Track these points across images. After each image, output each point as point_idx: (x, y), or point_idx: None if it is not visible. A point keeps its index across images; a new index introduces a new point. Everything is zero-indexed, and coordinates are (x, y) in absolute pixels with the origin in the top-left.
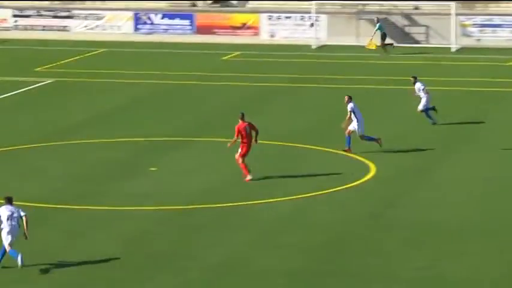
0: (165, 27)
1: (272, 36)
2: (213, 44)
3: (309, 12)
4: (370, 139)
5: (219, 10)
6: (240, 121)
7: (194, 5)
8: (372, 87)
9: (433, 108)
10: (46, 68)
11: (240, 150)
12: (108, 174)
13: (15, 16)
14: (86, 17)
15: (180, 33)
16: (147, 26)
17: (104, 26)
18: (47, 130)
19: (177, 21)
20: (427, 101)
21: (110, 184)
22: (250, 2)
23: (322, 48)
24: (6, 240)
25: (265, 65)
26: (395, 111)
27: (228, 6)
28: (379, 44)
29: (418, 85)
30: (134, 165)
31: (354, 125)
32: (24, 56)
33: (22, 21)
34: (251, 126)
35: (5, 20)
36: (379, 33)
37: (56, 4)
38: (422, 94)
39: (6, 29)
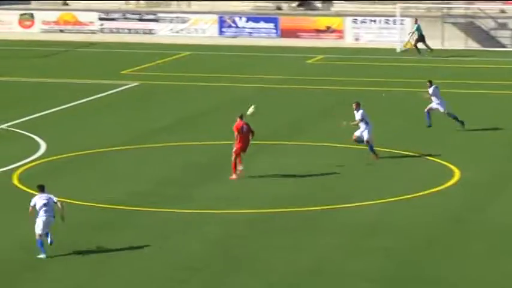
0: (249, 30)
1: (357, 39)
2: (298, 47)
3: (394, 16)
4: (371, 149)
5: (304, 13)
6: (239, 119)
7: (279, 8)
8: (456, 92)
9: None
10: (131, 71)
11: (234, 147)
12: (192, 177)
13: (101, 19)
14: (171, 21)
15: (264, 37)
16: (232, 30)
17: (189, 29)
18: (132, 133)
19: (261, 24)
20: (443, 106)
21: (194, 187)
22: (335, 5)
23: (407, 51)
24: (38, 228)
25: (349, 69)
26: (479, 115)
27: (312, 9)
28: (414, 44)
29: (432, 89)
30: (219, 168)
31: (362, 132)
32: (110, 58)
33: (108, 24)
34: (248, 127)
35: (91, 23)
36: (417, 33)
37: (142, 7)
38: (434, 98)
39: (93, 32)
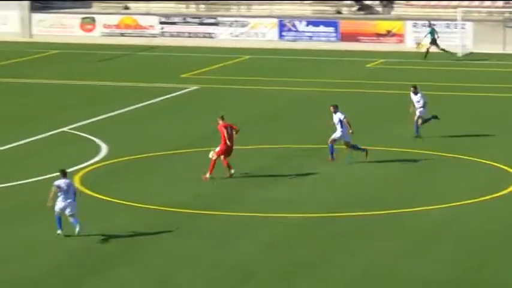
0: (309, 34)
1: (417, 43)
2: (357, 51)
3: (455, 20)
4: (357, 148)
5: (364, 17)
6: (221, 122)
7: (339, 12)
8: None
9: (435, 117)
10: (192, 75)
11: (218, 148)
12: (250, 180)
13: (162, 23)
14: (230, 24)
15: (324, 41)
16: (292, 33)
17: (249, 33)
18: (192, 136)
19: (321, 28)
20: (423, 113)
21: (252, 190)
22: (395, 9)
23: (467, 56)
24: (57, 207)
25: (409, 73)
26: None
27: (372, 13)
28: (428, 47)
29: (418, 96)
30: (276, 172)
31: (337, 134)
32: (170, 62)
33: (168, 28)
34: (232, 127)
35: (152, 26)
36: (429, 37)
37: (202, 11)
38: (420, 105)
39: (153, 35)
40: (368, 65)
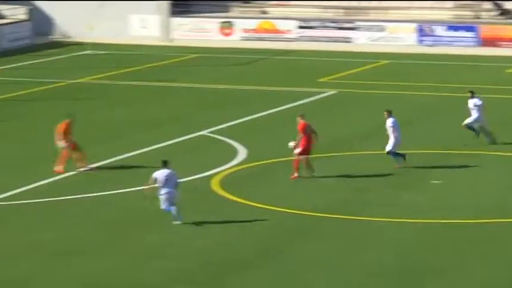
0: (448, 39)
1: None
2: (497, 56)
3: None
4: (396, 155)
5: (505, 22)
6: (301, 120)
7: (478, 17)
8: None
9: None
10: (329, 79)
11: (300, 149)
12: (387, 185)
13: (300, 28)
14: (368, 29)
15: (463, 46)
16: (431, 38)
17: (387, 37)
18: (328, 141)
19: (461, 33)
20: (477, 119)
21: (388, 195)
22: None
23: None
24: (163, 205)
25: None
26: None
27: None
28: None
29: (473, 101)
30: (415, 176)
31: (391, 142)
32: (307, 66)
33: (306, 33)
34: (311, 127)
35: (289, 31)
36: None
37: (340, 15)
38: (475, 111)
39: (291, 40)
40: (508, 71)
